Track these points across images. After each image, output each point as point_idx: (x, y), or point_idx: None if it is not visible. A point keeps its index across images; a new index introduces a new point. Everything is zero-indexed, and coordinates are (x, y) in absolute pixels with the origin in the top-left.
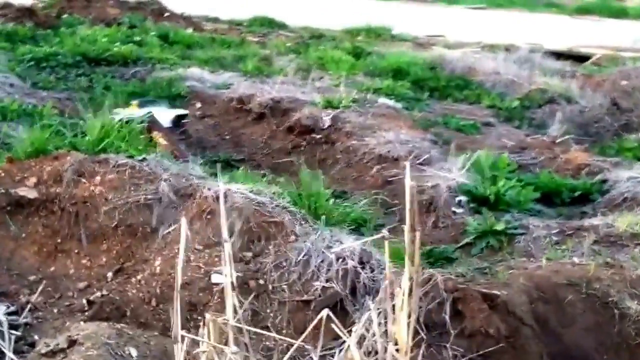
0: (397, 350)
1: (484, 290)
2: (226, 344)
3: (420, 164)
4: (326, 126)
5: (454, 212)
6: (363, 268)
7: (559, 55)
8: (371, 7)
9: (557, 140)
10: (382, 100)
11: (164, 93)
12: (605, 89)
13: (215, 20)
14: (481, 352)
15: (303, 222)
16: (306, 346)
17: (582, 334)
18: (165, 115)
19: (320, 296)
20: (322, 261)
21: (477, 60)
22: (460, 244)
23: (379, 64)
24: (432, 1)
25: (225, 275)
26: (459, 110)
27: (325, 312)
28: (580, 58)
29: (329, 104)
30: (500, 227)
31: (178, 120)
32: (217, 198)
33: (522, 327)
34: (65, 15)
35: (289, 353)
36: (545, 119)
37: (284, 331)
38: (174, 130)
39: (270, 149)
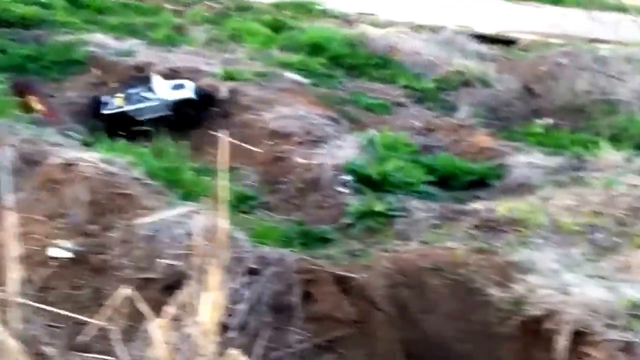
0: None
1: (339, 273)
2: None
3: (313, 141)
4: (223, 99)
5: (339, 192)
6: None
7: (487, 39)
8: None
9: (465, 123)
10: (289, 75)
11: (61, 58)
12: (520, 73)
13: None
14: (328, 337)
15: (158, 195)
16: (107, 326)
17: (443, 321)
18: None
19: (165, 274)
20: (171, 237)
21: (400, 39)
22: (340, 224)
23: (297, 38)
24: None
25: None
26: (373, 89)
27: (125, 292)
28: (508, 42)
29: (229, 76)
30: (380, 208)
31: (181, 106)
32: (67, 166)
33: (375, 313)
34: None
35: (88, 332)
36: (458, 102)
37: (125, 310)
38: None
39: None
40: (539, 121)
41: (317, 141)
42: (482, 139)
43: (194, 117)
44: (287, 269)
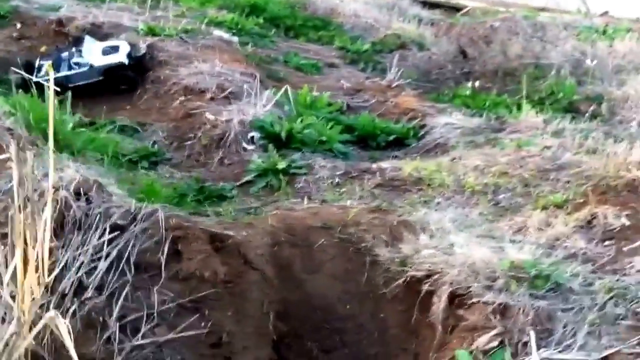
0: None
1: (213, 231)
2: None
3: (227, 97)
4: (140, 54)
5: (245, 149)
6: (78, 199)
7: (435, 6)
8: None
9: (393, 85)
10: (217, 32)
11: None
12: (457, 37)
13: None
14: (192, 298)
15: (30, 147)
16: None
17: (329, 281)
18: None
19: None
20: (34, 190)
21: (341, 2)
22: (240, 181)
23: None
24: None
25: None
26: (307, 49)
27: None
28: (452, 9)
29: (150, 32)
30: (282, 165)
31: (111, 71)
32: None
33: (249, 272)
34: None
35: None
36: (392, 64)
37: None
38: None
39: None
40: (468, 84)
41: (230, 98)
42: (407, 99)
43: (126, 80)
44: (157, 225)
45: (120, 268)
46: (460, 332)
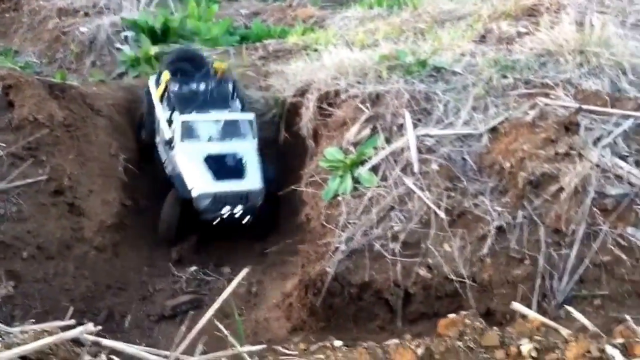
0: None
1: (52, 80)
2: None
3: (101, 12)
4: None
5: (119, 50)
6: None
7: None
8: None
9: (294, 4)
10: None
11: None
12: None
13: None
14: (26, 144)
15: None
16: None
17: None
18: None
19: None
20: None
21: None
22: (112, 75)
23: None
24: None
25: None
26: None
27: None
28: None
29: None
30: (154, 51)
31: None
32: None
33: (95, 118)
34: None
35: None
36: None
37: None
38: None
39: None
40: None
41: (106, 12)
42: (307, 10)
43: None
44: None
45: None
46: (328, 132)
